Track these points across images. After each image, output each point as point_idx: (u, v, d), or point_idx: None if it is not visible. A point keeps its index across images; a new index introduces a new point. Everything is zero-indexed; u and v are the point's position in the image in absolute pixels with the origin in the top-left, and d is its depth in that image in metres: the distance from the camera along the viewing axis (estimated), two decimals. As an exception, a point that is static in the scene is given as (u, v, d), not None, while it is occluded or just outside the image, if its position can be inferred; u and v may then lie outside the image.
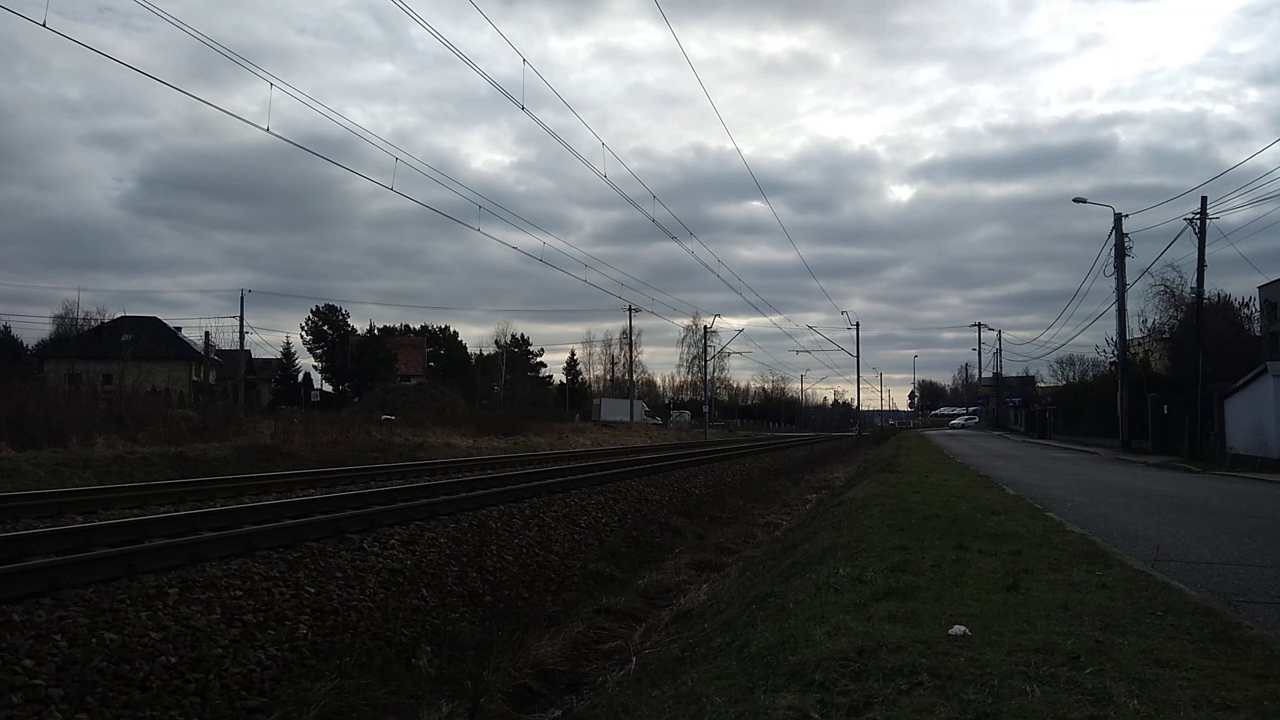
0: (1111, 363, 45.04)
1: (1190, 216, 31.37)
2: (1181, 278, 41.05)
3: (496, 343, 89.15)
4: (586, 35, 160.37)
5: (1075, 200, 40.50)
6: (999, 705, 3.57)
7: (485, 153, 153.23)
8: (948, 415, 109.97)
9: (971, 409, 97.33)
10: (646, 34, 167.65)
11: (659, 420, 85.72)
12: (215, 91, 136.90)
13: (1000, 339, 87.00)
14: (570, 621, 9.39)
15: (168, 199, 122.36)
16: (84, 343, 54.18)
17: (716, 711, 4.15)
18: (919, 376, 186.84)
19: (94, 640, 6.20)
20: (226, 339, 61.30)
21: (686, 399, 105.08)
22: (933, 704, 3.62)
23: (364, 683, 7.01)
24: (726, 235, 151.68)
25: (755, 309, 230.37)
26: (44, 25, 11.67)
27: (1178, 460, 27.67)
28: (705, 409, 74.07)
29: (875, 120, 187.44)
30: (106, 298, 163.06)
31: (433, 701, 6.77)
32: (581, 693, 7.38)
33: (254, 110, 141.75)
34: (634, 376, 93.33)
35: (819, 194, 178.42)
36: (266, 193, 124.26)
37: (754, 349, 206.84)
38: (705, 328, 77.35)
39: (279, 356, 76.56)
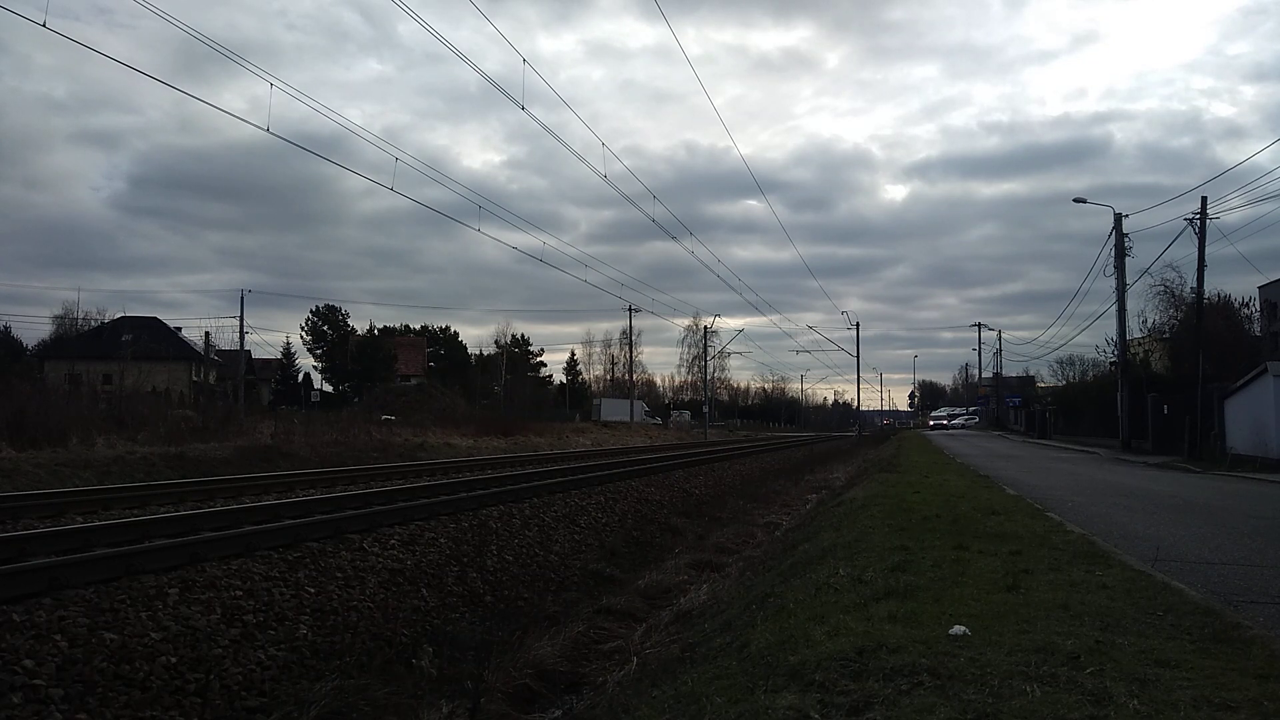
0: (1111, 363, 45.02)
1: (1190, 216, 31.38)
2: (1181, 278, 41.11)
3: (496, 343, 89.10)
4: (574, 32, 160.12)
5: (1075, 200, 40.46)
6: (999, 705, 3.57)
7: (476, 151, 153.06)
8: (945, 415, 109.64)
9: (973, 409, 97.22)
10: (636, 30, 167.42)
11: (659, 420, 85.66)
12: (203, 89, 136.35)
13: (1000, 339, 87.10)
14: (570, 621, 9.38)
15: (158, 198, 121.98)
16: (84, 343, 54.29)
17: (716, 711, 4.15)
18: (919, 376, 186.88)
19: (94, 640, 6.20)
20: (226, 339, 61.27)
21: (686, 399, 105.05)
22: (933, 704, 3.62)
23: (364, 683, 7.01)
24: (721, 234, 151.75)
25: (754, 309, 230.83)
26: (44, 25, 11.69)
27: (1178, 460, 27.66)
28: (705, 409, 74.08)
29: (869, 118, 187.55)
30: (103, 297, 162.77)
31: (433, 701, 6.77)
32: (582, 693, 7.38)
33: (241, 107, 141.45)
34: (634, 376, 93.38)
35: (814, 192, 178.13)
36: (257, 191, 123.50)
37: (753, 349, 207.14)
38: (705, 328, 77.33)
39: (279, 357, 76.63)
